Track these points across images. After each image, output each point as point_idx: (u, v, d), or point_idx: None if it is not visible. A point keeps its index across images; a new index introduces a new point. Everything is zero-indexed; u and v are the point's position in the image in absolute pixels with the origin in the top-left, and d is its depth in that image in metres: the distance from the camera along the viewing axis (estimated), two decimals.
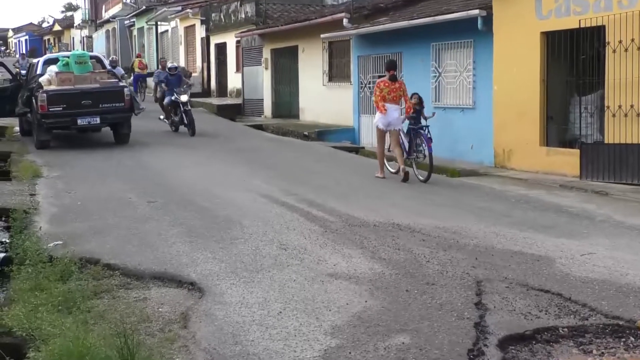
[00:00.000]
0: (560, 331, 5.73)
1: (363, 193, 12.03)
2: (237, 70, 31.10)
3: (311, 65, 24.17)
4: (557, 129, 14.87)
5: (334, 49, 23.34)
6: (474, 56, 16.53)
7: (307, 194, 11.67)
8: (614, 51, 12.78)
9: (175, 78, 21.64)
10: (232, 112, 28.33)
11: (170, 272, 7.29)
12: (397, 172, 13.74)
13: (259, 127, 24.70)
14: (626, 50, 12.55)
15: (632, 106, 12.56)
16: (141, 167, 14.93)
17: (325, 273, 7.17)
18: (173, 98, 21.04)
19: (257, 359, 5.05)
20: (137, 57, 35.86)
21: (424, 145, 13.52)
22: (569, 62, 14.02)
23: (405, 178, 13.14)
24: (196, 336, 5.54)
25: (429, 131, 13.66)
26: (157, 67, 28.93)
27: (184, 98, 20.82)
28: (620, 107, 12.77)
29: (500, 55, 15.43)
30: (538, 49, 14.41)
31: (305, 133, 21.64)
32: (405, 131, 14.07)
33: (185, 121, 20.71)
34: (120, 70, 23.80)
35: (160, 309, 6.25)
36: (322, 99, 23.56)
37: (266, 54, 27.57)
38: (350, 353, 5.11)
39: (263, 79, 27.93)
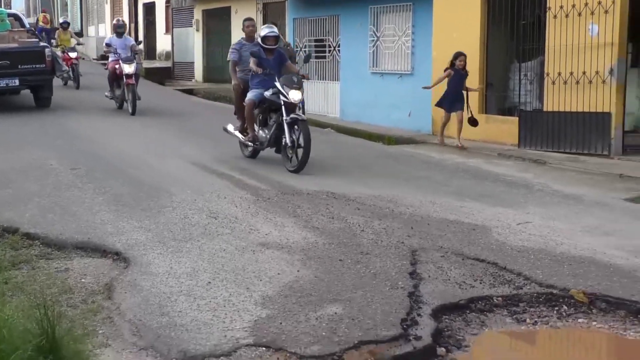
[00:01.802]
0: (495, 300, 5.86)
1: None
2: (167, 31, 30.74)
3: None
4: (496, 96, 15.09)
5: (269, 10, 23.18)
6: (413, 20, 16.59)
7: (239, 162, 11.66)
8: (555, 17, 12.99)
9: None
10: (162, 76, 28.06)
11: (94, 241, 7.22)
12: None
13: (190, 91, 24.51)
14: (567, 16, 12.77)
15: (571, 73, 12.81)
16: (64, 134, 14.68)
17: (257, 242, 7.20)
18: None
19: (185, 330, 5.05)
20: (43, 12, 35.45)
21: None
22: (510, 28, 14.19)
23: None
24: (121, 307, 5.51)
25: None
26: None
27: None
28: (559, 74, 13.01)
29: (440, 19, 15.54)
30: (479, 13, 14.56)
31: None
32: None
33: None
34: (130, 40, 19.10)
35: (83, 280, 6.19)
36: None
37: (197, 15, 27.26)
38: (281, 323, 5.16)
39: (194, 41, 27.63)
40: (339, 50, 18.99)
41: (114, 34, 18.96)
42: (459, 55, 13.76)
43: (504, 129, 14.13)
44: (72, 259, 6.83)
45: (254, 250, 6.92)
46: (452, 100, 13.88)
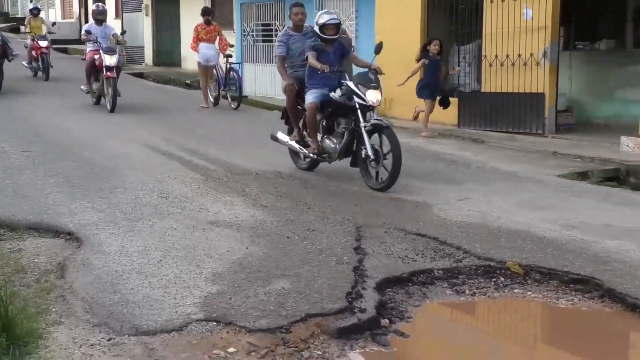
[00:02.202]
0: (436, 273, 5.91)
1: (246, 142, 12.02)
2: (117, 16, 30.20)
3: (193, 12, 23.66)
4: None
5: None
6: (356, 5, 16.58)
7: (190, 143, 11.58)
8: (492, 1, 13.09)
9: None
10: None
11: (47, 222, 7.10)
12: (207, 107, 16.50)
13: (140, 75, 24.20)
14: (503, 0, 12.87)
15: (507, 56, 12.94)
16: (16, 117, 14.40)
17: (207, 221, 7.16)
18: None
19: (137, 307, 5.01)
20: None
21: (236, 79, 16.73)
22: (449, 13, 14.26)
23: (215, 103, 16.78)
24: (73, 286, 5.44)
25: (239, 68, 17.09)
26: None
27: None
28: (496, 56, 13.13)
29: (382, 4, 15.55)
30: None
31: (187, 82, 21.33)
32: (235, 69, 16.85)
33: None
34: (110, 29, 16.22)
35: (36, 260, 6.09)
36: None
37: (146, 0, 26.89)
38: (230, 299, 5.15)
39: (144, 26, 27.27)
40: None
41: (94, 22, 16.32)
42: (432, 40, 12.94)
43: (444, 110, 14.20)
44: (25, 239, 6.71)
45: (204, 229, 6.89)
46: (432, 88, 12.98)
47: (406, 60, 14.86)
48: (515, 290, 5.73)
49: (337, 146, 9.07)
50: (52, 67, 21.08)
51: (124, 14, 28.71)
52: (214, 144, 11.57)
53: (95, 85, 15.97)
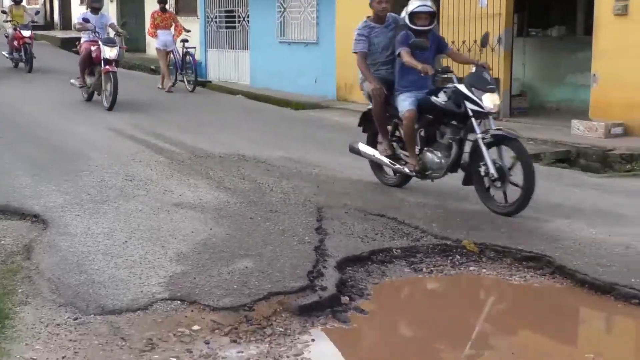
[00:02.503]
0: (394, 252, 5.94)
1: (211, 126, 11.96)
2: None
3: None
4: None
5: None
6: None
7: (155, 127, 11.50)
8: None
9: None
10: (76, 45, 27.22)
11: (13, 205, 7.00)
12: (167, 88, 16.74)
13: None
14: None
15: (464, 42, 12.98)
16: None
17: (171, 203, 7.12)
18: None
19: (102, 287, 4.98)
20: None
21: (192, 63, 16.97)
22: None
23: (169, 91, 16.68)
24: (40, 267, 5.38)
25: (195, 52, 17.42)
26: None
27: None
28: (453, 42, 13.10)
29: None
30: None
31: (152, 67, 21.11)
32: (191, 53, 17.05)
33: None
34: (107, 19, 15.08)
35: (2, 242, 6.00)
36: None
37: None
38: (194, 278, 5.13)
39: (108, 12, 26.90)
40: (248, 21, 18.80)
41: (88, 9, 14.65)
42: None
43: None
44: None
45: (169, 210, 6.85)
46: None
47: None
48: (471, 268, 5.78)
49: (442, 160, 7.38)
50: (35, 57, 19.53)
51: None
52: (179, 127, 11.49)
53: (89, 80, 14.16)
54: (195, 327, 4.47)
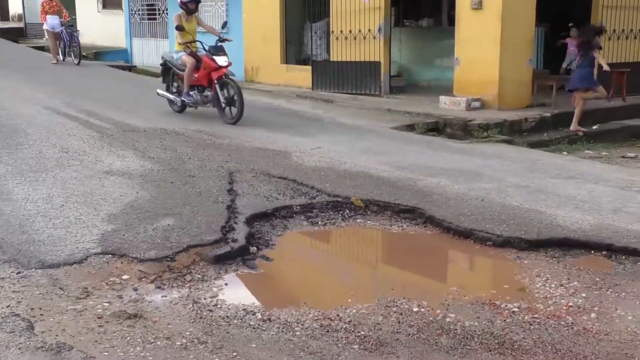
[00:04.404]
0: (294, 208, 5.96)
1: (136, 104, 11.64)
2: None
3: None
4: (294, 50, 15.15)
5: None
6: None
7: (87, 106, 11.10)
8: None
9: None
10: (15, 35, 25.90)
11: None
12: (57, 62, 17.13)
13: (41, 48, 22.85)
14: None
15: (350, 31, 13.06)
16: None
17: (102, 171, 6.93)
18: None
19: (42, 245, 4.82)
20: None
21: (77, 42, 17.16)
22: None
23: (57, 62, 17.06)
24: None
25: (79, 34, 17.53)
26: None
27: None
28: (342, 31, 13.22)
29: None
30: None
31: (84, 54, 20.34)
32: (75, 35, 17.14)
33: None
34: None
35: None
36: (99, 23, 22.16)
37: None
38: (124, 235, 5.03)
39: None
40: (167, 13, 18.36)
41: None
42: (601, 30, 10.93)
43: (300, 76, 14.23)
44: None
45: (100, 178, 6.66)
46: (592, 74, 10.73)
47: (269, 35, 14.84)
48: (358, 220, 5.86)
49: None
50: None
51: None
52: (109, 105, 11.12)
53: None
54: (125, 277, 4.39)
